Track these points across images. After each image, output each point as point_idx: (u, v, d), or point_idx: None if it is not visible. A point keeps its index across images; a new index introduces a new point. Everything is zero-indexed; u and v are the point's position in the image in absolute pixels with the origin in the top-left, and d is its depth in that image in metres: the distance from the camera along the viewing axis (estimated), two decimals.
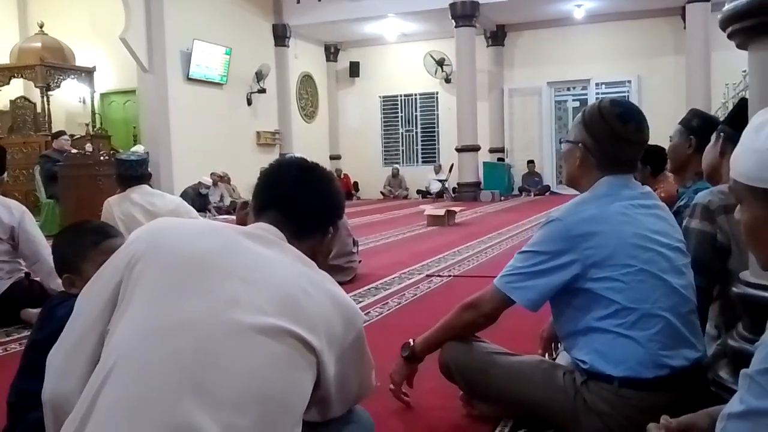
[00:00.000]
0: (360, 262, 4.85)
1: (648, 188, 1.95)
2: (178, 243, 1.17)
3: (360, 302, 3.89)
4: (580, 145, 1.92)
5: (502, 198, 14.04)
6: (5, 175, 3.71)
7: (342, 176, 16.50)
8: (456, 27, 13.60)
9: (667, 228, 1.88)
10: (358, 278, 4.61)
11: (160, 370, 1.03)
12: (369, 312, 3.63)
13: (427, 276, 4.73)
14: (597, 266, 1.78)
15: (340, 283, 4.02)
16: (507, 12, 14.40)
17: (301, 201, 1.36)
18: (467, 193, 13.85)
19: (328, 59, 17.17)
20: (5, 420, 1.75)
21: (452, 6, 13.46)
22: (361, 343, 1.32)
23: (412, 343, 2.12)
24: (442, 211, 8.66)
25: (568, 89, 15.59)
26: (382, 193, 16.15)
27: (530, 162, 15.45)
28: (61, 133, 8.63)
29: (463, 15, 13.48)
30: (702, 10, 12.22)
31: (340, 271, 4.41)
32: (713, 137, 2.31)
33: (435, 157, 16.59)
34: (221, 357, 1.06)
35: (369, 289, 4.30)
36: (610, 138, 1.87)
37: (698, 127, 2.80)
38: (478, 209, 11.42)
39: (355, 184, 16.57)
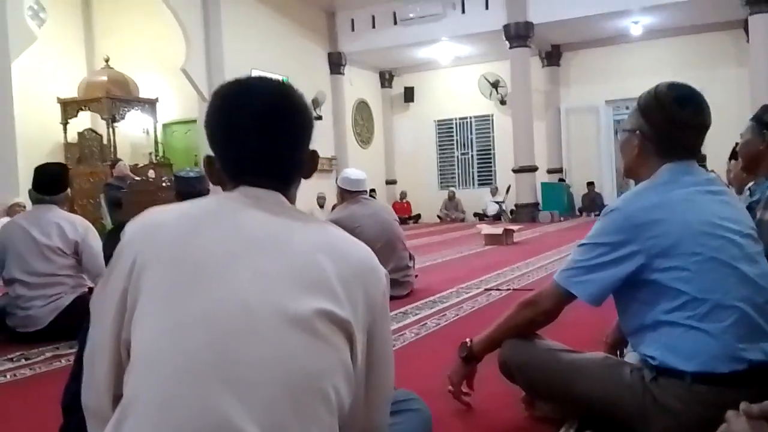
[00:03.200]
0: (416, 276, 4.80)
1: (713, 174, 1.86)
2: (179, 237, 1.10)
3: (417, 314, 3.84)
4: (637, 132, 1.84)
5: (562, 218, 13.78)
6: (68, 191, 3.83)
7: (405, 203, 16.48)
8: (510, 48, 13.54)
9: (737, 214, 1.78)
10: (415, 293, 4.56)
11: (186, 367, 1.00)
12: (426, 323, 3.57)
13: (486, 290, 4.64)
14: (662, 256, 1.69)
15: (396, 298, 3.98)
16: (562, 31, 14.26)
17: (280, 160, 1.20)
18: (525, 213, 13.65)
19: (382, 85, 17.32)
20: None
21: (506, 27, 13.43)
22: (387, 307, 1.21)
23: (469, 343, 2.06)
24: (499, 230, 8.54)
25: (627, 107, 15.26)
26: (438, 216, 16.07)
27: (590, 184, 15.14)
28: (118, 160, 8.95)
29: (518, 36, 13.42)
30: (765, 21, 11.85)
31: (397, 285, 4.37)
32: None
33: (491, 179, 16.46)
34: (247, 350, 1.01)
35: (426, 302, 4.24)
36: (669, 123, 1.79)
37: None
38: (536, 229, 11.23)
39: (417, 216, 16.42)
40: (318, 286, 1.08)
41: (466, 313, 3.84)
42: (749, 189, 2.94)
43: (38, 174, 3.69)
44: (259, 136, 1.18)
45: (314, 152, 1.27)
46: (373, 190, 13.78)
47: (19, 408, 2.56)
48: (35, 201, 3.71)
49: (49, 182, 3.67)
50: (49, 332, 3.48)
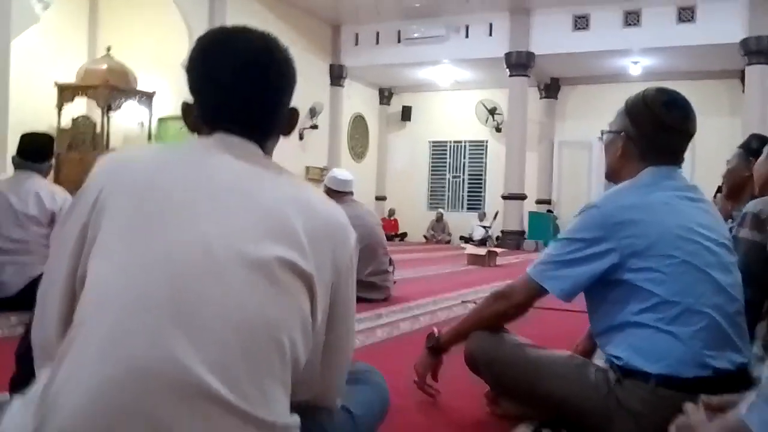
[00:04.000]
0: (395, 282, 4.77)
1: (694, 184, 1.86)
2: (146, 176, 1.08)
3: (391, 317, 3.81)
4: (622, 134, 1.85)
5: None
6: (52, 162, 3.79)
7: (392, 220, 16.42)
8: (510, 76, 13.64)
9: (714, 223, 1.78)
10: (392, 299, 4.52)
11: (139, 302, 0.98)
12: (399, 325, 3.55)
13: (463, 302, 4.62)
14: (637, 256, 1.69)
15: (373, 301, 3.96)
16: (562, 65, 14.40)
17: (257, 109, 1.19)
18: (511, 240, 13.67)
19: (381, 102, 17.40)
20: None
21: (508, 55, 13.54)
22: (353, 271, 1.20)
23: (437, 334, 2.04)
24: (483, 251, 8.54)
25: None
26: (425, 236, 16.07)
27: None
28: (114, 150, 8.90)
29: (518, 64, 13.54)
30: (761, 72, 12.00)
31: (375, 289, 4.35)
32: (765, 150, 2.23)
33: (480, 204, 16.49)
34: (202, 290, 0.99)
35: (402, 307, 4.21)
36: (654, 126, 1.80)
37: (758, 149, 2.70)
38: (520, 256, 11.24)
39: (403, 234, 16.38)
40: (283, 236, 1.06)
41: (441, 320, 3.81)
42: (731, 216, 2.96)
43: (24, 140, 3.66)
44: (238, 82, 1.17)
45: (294, 109, 1.26)
46: None
47: None
48: (17, 167, 3.67)
49: (34, 150, 3.64)
50: (18, 300, 3.42)
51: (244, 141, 1.15)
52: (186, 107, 1.22)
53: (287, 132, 1.27)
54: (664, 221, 1.70)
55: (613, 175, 1.91)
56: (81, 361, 0.97)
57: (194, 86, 1.20)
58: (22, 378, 1.65)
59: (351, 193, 4.65)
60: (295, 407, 1.09)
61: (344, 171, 4.75)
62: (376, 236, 4.56)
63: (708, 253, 1.70)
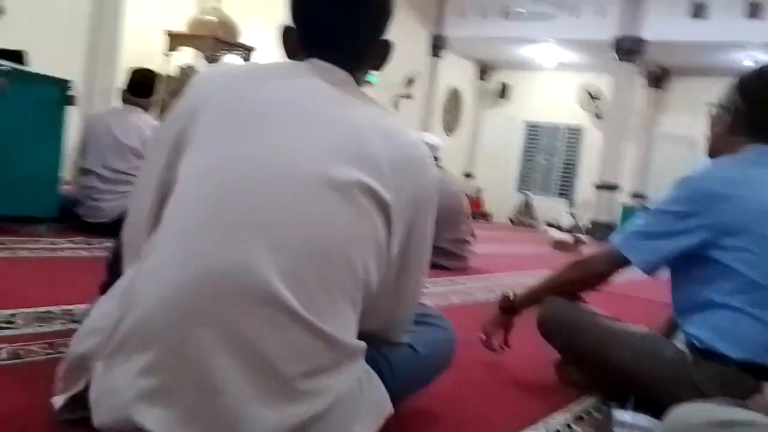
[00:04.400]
0: (474, 254, 4.73)
1: None
2: (239, 89, 1.11)
3: (465, 284, 3.80)
4: (731, 109, 1.75)
5: None
6: (156, 98, 3.95)
7: (478, 199, 16.18)
8: (616, 61, 13.14)
9: None
10: (470, 269, 4.49)
11: (221, 209, 1.01)
12: (475, 294, 3.53)
13: None
14: (730, 234, 1.61)
15: (450, 270, 3.89)
16: (674, 54, 13.74)
17: (351, 37, 1.20)
18: (599, 231, 13.28)
19: (478, 77, 17.15)
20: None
21: (616, 40, 13.04)
22: (432, 208, 1.20)
23: (511, 295, 2.01)
24: (569, 237, 8.34)
25: None
26: (510, 219, 15.83)
27: None
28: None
29: (627, 50, 13.00)
30: None
31: (453, 257, 4.33)
32: None
33: (571, 191, 16.09)
34: (283, 203, 1.01)
35: (479, 278, 4.18)
36: (763, 102, 1.70)
37: None
38: None
39: (488, 214, 16.08)
40: (365, 162, 1.08)
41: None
42: None
43: (131, 75, 3.83)
44: (333, 10, 1.19)
45: (387, 42, 1.26)
46: None
47: (67, 276, 2.67)
48: (124, 101, 3.85)
49: (139, 85, 3.80)
50: (113, 227, 3.59)
51: (336, 67, 1.17)
52: (287, 30, 1.24)
53: (379, 65, 1.28)
54: (763, 199, 1.61)
55: (714, 152, 1.82)
56: (160, 260, 1.01)
57: (293, 12, 1.23)
58: (111, 284, 1.75)
59: (438, 159, 4.62)
60: (359, 337, 1.10)
61: (434, 136, 4.73)
62: (459, 204, 4.52)
63: None
